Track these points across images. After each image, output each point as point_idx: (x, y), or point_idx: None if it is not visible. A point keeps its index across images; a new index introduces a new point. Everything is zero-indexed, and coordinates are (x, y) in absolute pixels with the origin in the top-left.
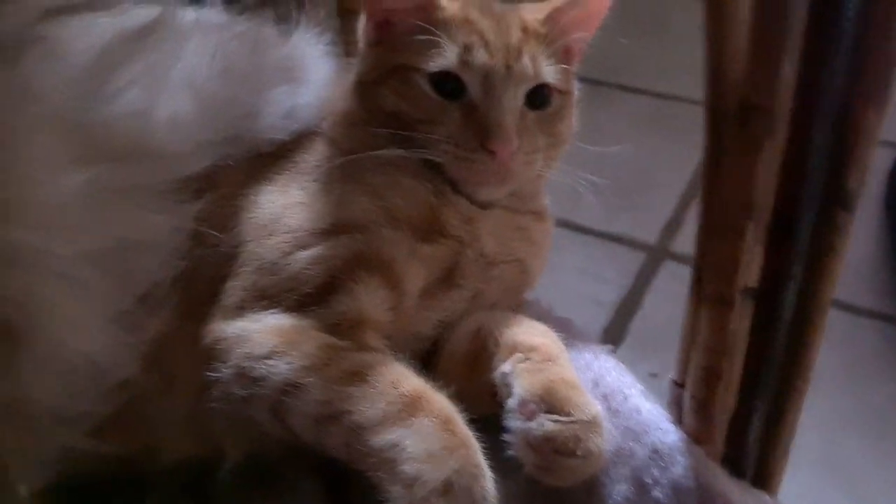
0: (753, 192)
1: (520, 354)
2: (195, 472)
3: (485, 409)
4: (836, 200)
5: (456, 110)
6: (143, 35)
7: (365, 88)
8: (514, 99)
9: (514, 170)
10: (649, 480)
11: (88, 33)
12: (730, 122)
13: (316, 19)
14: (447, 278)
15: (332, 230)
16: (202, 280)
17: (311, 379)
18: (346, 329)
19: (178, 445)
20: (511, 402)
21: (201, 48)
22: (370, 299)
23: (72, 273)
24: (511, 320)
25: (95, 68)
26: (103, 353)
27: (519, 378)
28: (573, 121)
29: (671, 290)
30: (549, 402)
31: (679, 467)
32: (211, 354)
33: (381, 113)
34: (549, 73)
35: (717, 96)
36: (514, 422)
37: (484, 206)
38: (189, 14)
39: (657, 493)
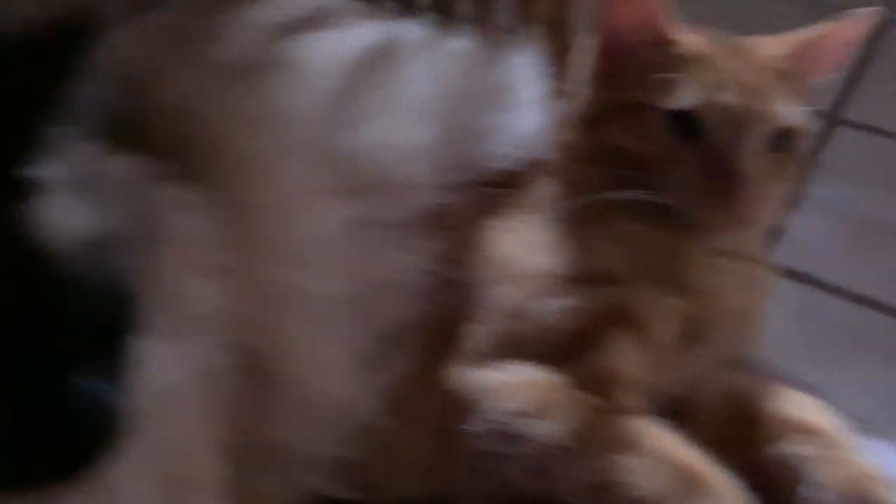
0: None
1: (800, 435)
2: None
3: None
4: None
5: (693, 152)
6: (376, 56)
7: (589, 123)
8: (757, 142)
9: (754, 216)
10: None
11: (324, 54)
12: None
13: (529, 37)
14: (691, 333)
15: (581, 279)
16: (442, 321)
17: (579, 444)
18: (600, 386)
19: (405, 486)
20: (811, 493)
21: (425, 69)
22: (623, 355)
23: (324, 313)
24: (769, 387)
25: (338, 92)
26: (348, 395)
27: (815, 466)
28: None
29: None
30: (857, 488)
31: None
32: (456, 401)
33: (607, 150)
34: (792, 114)
35: None
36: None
37: (719, 254)
38: (406, 29)
39: None
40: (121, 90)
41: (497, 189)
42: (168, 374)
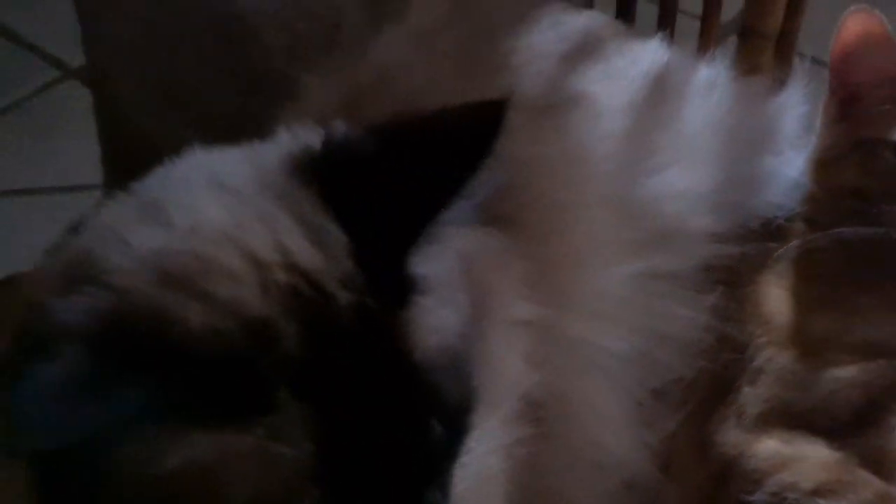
0: None
1: None
2: None
3: None
4: None
5: None
6: (655, 90)
7: (823, 167)
8: None
9: None
10: None
11: (609, 90)
12: None
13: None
14: None
15: (865, 349)
16: (716, 380)
17: None
18: (880, 467)
19: None
20: None
21: (700, 106)
22: None
23: (608, 366)
24: None
25: (627, 134)
26: (622, 449)
27: None
28: None
29: None
30: None
31: None
32: (732, 467)
33: (841, 191)
34: None
35: None
36: None
37: None
38: (670, 55)
39: None
40: None
41: (773, 241)
42: (481, 460)
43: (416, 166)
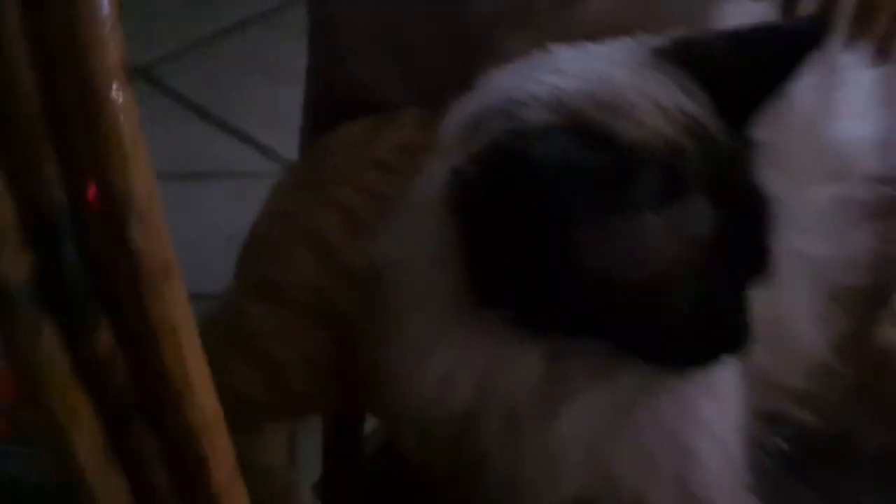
0: None
1: None
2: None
3: None
4: None
5: None
6: (829, 68)
7: None
8: None
9: None
10: None
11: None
12: None
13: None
14: None
15: None
16: (877, 290)
17: None
18: None
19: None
20: None
21: (863, 84)
22: None
23: (808, 271)
24: None
25: (820, 91)
26: (812, 338)
27: None
28: None
29: None
30: None
31: None
32: (884, 356)
33: None
34: None
35: None
36: None
37: None
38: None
39: None
40: None
41: None
42: None
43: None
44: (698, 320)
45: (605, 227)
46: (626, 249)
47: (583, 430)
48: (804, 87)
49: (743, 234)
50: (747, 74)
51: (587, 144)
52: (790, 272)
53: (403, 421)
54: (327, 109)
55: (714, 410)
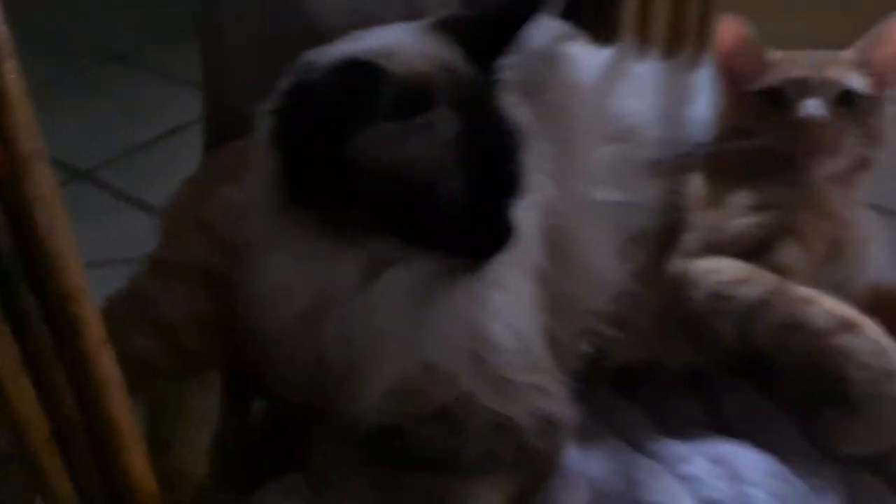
0: None
1: None
2: (630, 377)
3: None
4: None
5: (782, 114)
6: (618, 62)
7: (721, 115)
8: (822, 95)
9: (823, 138)
10: None
11: (586, 56)
12: None
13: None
14: (836, 251)
15: (758, 206)
16: (667, 231)
17: (775, 299)
18: (776, 272)
19: (626, 353)
20: None
21: (649, 72)
22: (793, 258)
23: (600, 213)
24: None
25: (604, 79)
26: (613, 269)
27: None
28: (886, 125)
29: None
30: None
31: None
32: (677, 281)
33: (736, 125)
34: (854, 82)
35: None
36: None
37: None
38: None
39: None
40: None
41: (691, 153)
42: (527, 224)
43: (494, 15)
44: (462, 215)
45: (372, 137)
46: (390, 152)
47: (396, 320)
48: (595, 70)
49: (490, 143)
50: (488, 33)
51: (357, 76)
52: (587, 215)
53: (265, 348)
54: (220, 134)
55: (504, 300)
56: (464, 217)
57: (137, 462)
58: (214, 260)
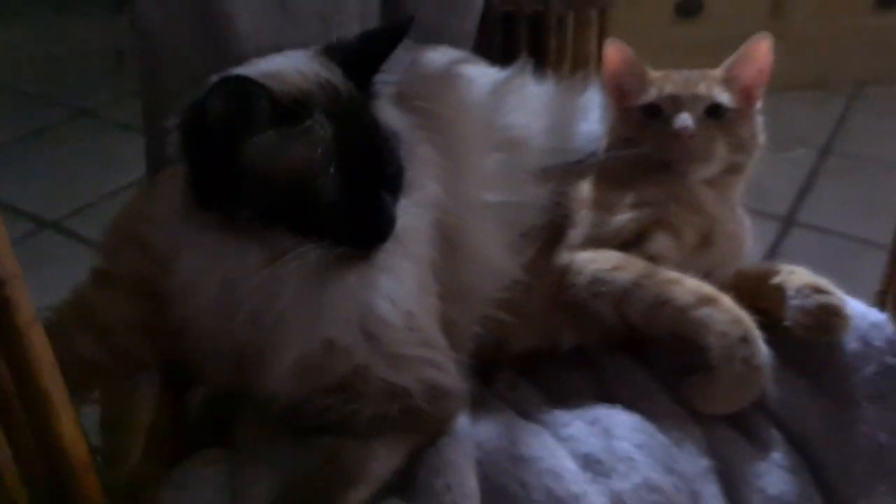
0: None
1: (784, 271)
2: (529, 360)
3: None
4: None
5: (661, 126)
6: (509, 82)
7: (611, 129)
8: (693, 110)
9: (695, 148)
10: (871, 339)
11: (482, 76)
12: None
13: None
14: (705, 241)
15: (635, 205)
16: (554, 227)
17: (645, 282)
18: (650, 259)
19: (525, 338)
20: (791, 293)
21: (539, 90)
22: (664, 247)
23: (490, 213)
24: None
25: (494, 97)
26: (504, 261)
27: (791, 279)
28: (755, 134)
29: None
30: (816, 288)
31: (889, 330)
32: (564, 271)
33: (620, 139)
34: (722, 97)
35: None
36: (794, 302)
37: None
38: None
39: (879, 343)
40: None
41: (581, 161)
42: (414, 219)
43: (371, 37)
44: (341, 209)
45: (257, 144)
46: (273, 157)
47: (295, 303)
48: (486, 88)
49: (362, 145)
50: (363, 56)
51: (242, 93)
52: (478, 214)
53: (190, 341)
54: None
55: (393, 284)
56: (343, 211)
57: (69, 428)
58: (146, 268)
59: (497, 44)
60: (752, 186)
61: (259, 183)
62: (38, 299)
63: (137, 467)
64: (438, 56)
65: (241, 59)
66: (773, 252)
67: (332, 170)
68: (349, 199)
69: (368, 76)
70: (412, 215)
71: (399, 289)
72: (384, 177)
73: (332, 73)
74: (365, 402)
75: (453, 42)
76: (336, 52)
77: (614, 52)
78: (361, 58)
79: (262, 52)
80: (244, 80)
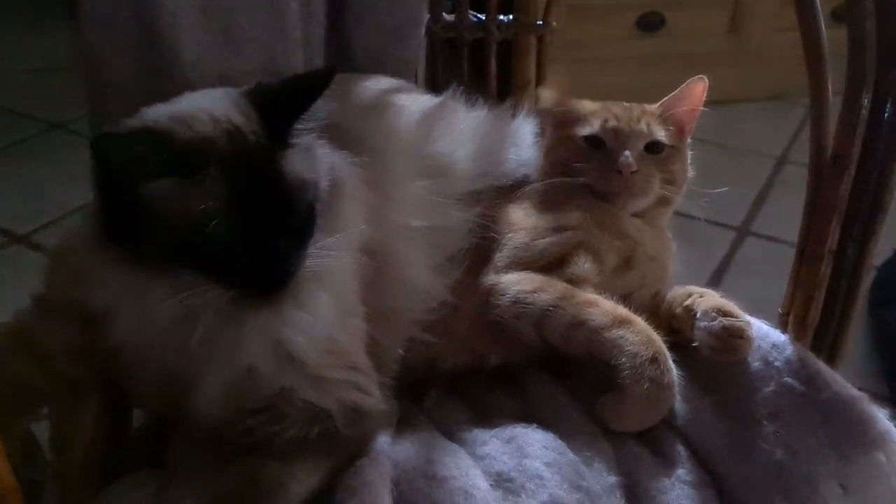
0: None
1: (695, 294)
2: (459, 378)
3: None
4: None
5: (601, 157)
6: (439, 109)
7: (547, 152)
8: (634, 146)
9: (635, 184)
10: (771, 359)
11: (413, 104)
12: None
13: (530, 109)
14: (627, 263)
15: (559, 228)
16: (480, 250)
17: (564, 303)
18: (569, 281)
19: (453, 357)
20: (699, 315)
21: (468, 117)
22: (585, 270)
23: (415, 237)
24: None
25: (422, 125)
26: (428, 284)
27: (700, 302)
28: (685, 169)
29: None
30: (723, 311)
31: (789, 351)
32: (489, 293)
33: (555, 164)
34: (660, 134)
35: None
36: (701, 324)
37: (635, 215)
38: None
39: (778, 364)
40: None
41: (510, 186)
42: (335, 257)
43: (294, 86)
44: (236, 257)
45: (157, 189)
46: (169, 202)
47: (214, 335)
48: (415, 117)
49: (258, 197)
50: (283, 105)
51: (146, 140)
52: (405, 239)
53: (123, 367)
54: None
55: (307, 317)
56: (237, 258)
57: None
58: (78, 294)
59: (440, 70)
60: (710, 198)
61: (158, 224)
62: (7, 312)
63: (73, 486)
64: (373, 85)
65: (187, 86)
66: (728, 261)
67: (226, 219)
68: (242, 247)
69: (284, 127)
70: (334, 253)
71: (316, 321)
72: (282, 227)
73: (246, 119)
74: (287, 424)
75: (395, 70)
76: (258, 97)
77: (554, 80)
78: (280, 108)
79: (207, 79)
80: (152, 131)
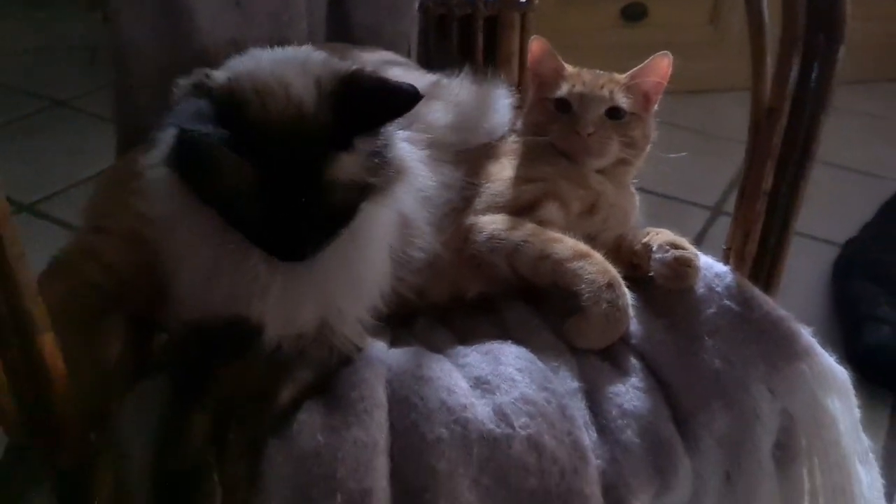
0: None
1: (652, 233)
2: (443, 308)
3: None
4: None
5: (567, 119)
6: (435, 84)
7: (526, 114)
8: (596, 110)
9: (592, 145)
10: (714, 286)
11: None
12: None
13: (507, 79)
14: (590, 210)
15: (531, 179)
16: (467, 201)
17: (533, 239)
18: (541, 223)
19: (438, 290)
20: (655, 248)
21: (456, 88)
22: (553, 214)
23: (422, 192)
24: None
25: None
26: (431, 237)
27: (656, 238)
28: (647, 135)
29: None
30: (674, 245)
31: (729, 279)
32: (468, 231)
33: (532, 124)
34: (622, 101)
35: None
36: (656, 256)
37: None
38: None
39: (719, 289)
40: None
41: (488, 147)
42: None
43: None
44: (264, 229)
45: (212, 155)
46: (219, 166)
47: (293, 291)
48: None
49: (294, 197)
50: (367, 109)
51: (223, 100)
52: (407, 191)
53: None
54: (128, 141)
55: (347, 279)
56: (267, 229)
57: (48, 344)
58: (139, 226)
59: (432, 43)
60: (687, 179)
61: (213, 177)
62: None
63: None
64: (371, 57)
65: (204, 53)
66: (701, 237)
67: (256, 198)
68: (267, 219)
69: (351, 135)
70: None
71: (352, 283)
72: (297, 216)
73: (319, 110)
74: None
75: (391, 43)
76: (350, 86)
77: (536, 46)
78: (358, 114)
79: (220, 46)
80: (227, 94)
